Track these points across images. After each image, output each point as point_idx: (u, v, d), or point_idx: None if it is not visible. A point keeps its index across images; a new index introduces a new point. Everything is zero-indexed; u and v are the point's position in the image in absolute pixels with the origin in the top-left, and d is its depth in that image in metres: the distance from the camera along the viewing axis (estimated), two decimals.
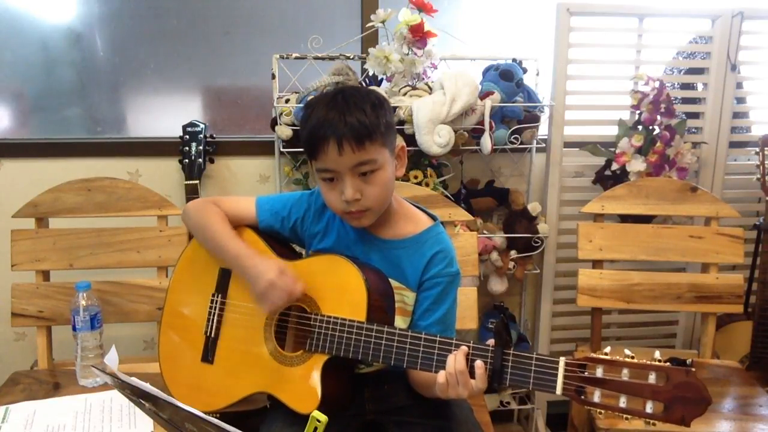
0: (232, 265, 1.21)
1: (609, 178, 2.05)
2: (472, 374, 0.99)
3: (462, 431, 1.20)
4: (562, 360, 0.94)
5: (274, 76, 1.90)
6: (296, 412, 1.10)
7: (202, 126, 1.90)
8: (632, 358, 0.90)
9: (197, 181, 1.84)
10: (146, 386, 0.82)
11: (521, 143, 1.94)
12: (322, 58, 1.91)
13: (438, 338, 1.04)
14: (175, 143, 1.90)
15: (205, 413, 0.75)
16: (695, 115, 2.15)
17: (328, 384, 1.10)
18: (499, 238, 1.99)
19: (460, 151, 1.93)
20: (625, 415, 0.90)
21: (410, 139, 1.82)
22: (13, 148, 1.97)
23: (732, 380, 1.67)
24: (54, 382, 1.48)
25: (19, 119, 2.06)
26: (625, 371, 0.90)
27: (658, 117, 1.95)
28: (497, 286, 2.04)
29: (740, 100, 2.19)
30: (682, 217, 1.97)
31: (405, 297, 1.17)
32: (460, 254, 1.30)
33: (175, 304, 1.31)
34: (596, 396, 0.91)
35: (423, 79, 1.92)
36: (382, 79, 1.95)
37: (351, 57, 1.93)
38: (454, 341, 1.03)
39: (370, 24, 1.86)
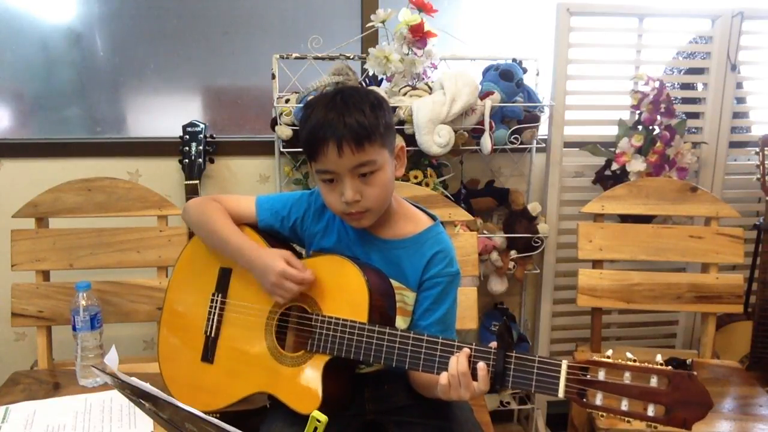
0: (236, 259, 1.21)
1: (609, 178, 2.05)
2: (474, 376, 0.99)
3: (462, 431, 1.20)
4: (564, 363, 0.94)
5: (274, 76, 1.90)
6: (296, 412, 1.10)
7: (202, 126, 1.90)
8: (634, 361, 0.90)
9: (197, 181, 1.84)
10: (146, 386, 0.82)
11: (521, 143, 1.94)
12: (322, 58, 1.91)
13: (440, 340, 1.04)
14: (175, 143, 1.90)
15: (205, 413, 0.75)
16: (695, 115, 2.15)
17: (328, 384, 1.10)
18: (499, 238, 1.99)
19: (460, 151, 1.93)
20: (626, 419, 0.90)
21: (410, 139, 1.82)
22: (13, 148, 1.97)
23: (732, 380, 1.67)
24: (54, 382, 1.48)
25: (19, 119, 2.06)
26: (627, 374, 0.90)
27: (658, 117, 1.95)
28: (497, 286, 2.04)
29: (740, 100, 2.19)
30: (682, 217, 1.97)
31: (405, 297, 1.17)
32: (460, 254, 1.30)
33: (174, 304, 1.31)
34: (598, 399, 0.91)
35: (423, 79, 1.92)
36: (382, 79, 1.95)
37: (351, 57, 1.93)
38: (456, 343, 1.03)
39: (370, 24, 1.86)
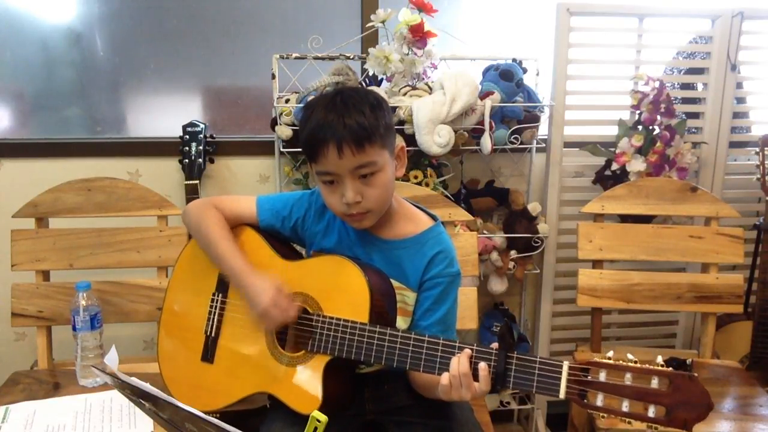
0: (229, 278, 1.21)
1: (609, 178, 2.05)
2: (475, 377, 0.99)
3: (462, 431, 1.20)
4: (565, 364, 0.94)
5: (274, 76, 1.90)
6: (296, 412, 1.10)
7: (202, 126, 1.90)
8: (635, 362, 0.90)
9: (197, 181, 1.83)
10: (146, 386, 0.82)
11: (521, 143, 1.94)
12: (322, 58, 1.91)
13: (441, 340, 1.04)
14: (175, 143, 1.90)
15: (205, 413, 0.75)
16: (695, 115, 2.15)
17: (329, 385, 1.10)
18: (499, 238, 1.99)
19: (460, 151, 1.93)
20: (627, 420, 0.90)
21: (410, 139, 1.82)
22: (13, 148, 1.97)
23: (732, 380, 1.67)
24: (54, 382, 1.48)
25: (19, 119, 2.06)
26: (628, 375, 0.90)
27: (658, 117, 1.95)
28: (497, 286, 2.04)
29: (740, 100, 2.19)
30: (682, 217, 1.97)
31: (405, 297, 1.17)
32: (460, 254, 1.30)
33: (174, 304, 1.31)
34: (599, 400, 0.91)
35: (423, 79, 1.92)
36: (382, 79, 1.95)
37: (351, 57, 1.93)
38: (457, 344, 1.03)
39: (370, 24, 1.86)
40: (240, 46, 2.09)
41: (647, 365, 0.90)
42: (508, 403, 2.18)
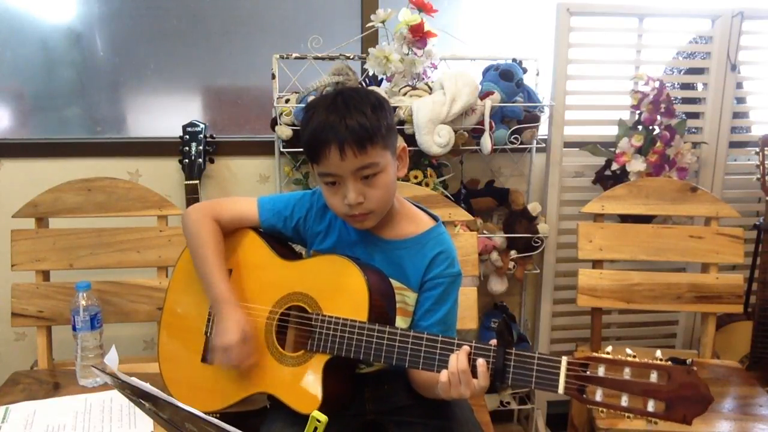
0: (210, 301, 1.21)
1: (609, 178, 2.05)
2: (474, 374, 0.99)
3: (462, 431, 1.20)
4: (564, 359, 0.94)
5: (274, 76, 1.90)
6: (296, 412, 1.09)
7: (202, 126, 1.90)
8: (634, 357, 0.90)
9: (197, 181, 1.83)
10: (146, 386, 0.82)
11: (521, 143, 1.94)
12: (322, 58, 1.91)
13: (440, 338, 1.04)
14: (175, 143, 1.90)
15: (205, 413, 0.75)
16: (695, 115, 2.15)
17: (329, 384, 1.10)
18: (499, 238, 1.99)
19: (460, 151, 1.93)
20: (626, 414, 0.90)
21: (410, 139, 1.82)
22: (13, 148, 1.97)
23: (732, 380, 1.67)
24: (54, 382, 1.47)
25: (19, 119, 2.06)
26: (627, 370, 0.90)
27: (658, 117, 1.95)
28: (497, 286, 2.04)
29: (740, 100, 2.19)
30: (682, 217, 1.97)
31: (406, 297, 1.17)
32: (460, 254, 1.29)
33: (175, 305, 1.31)
34: (598, 395, 0.91)
35: (423, 79, 1.92)
36: (382, 79, 1.95)
37: (351, 57, 1.93)
38: (456, 341, 1.03)
39: (370, 24, 1.86)
40: (240, 46, 2.09)
41: (646, 360, 0.90)
42: (508, 403, 2.18)
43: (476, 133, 1.88)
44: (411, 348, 1.05)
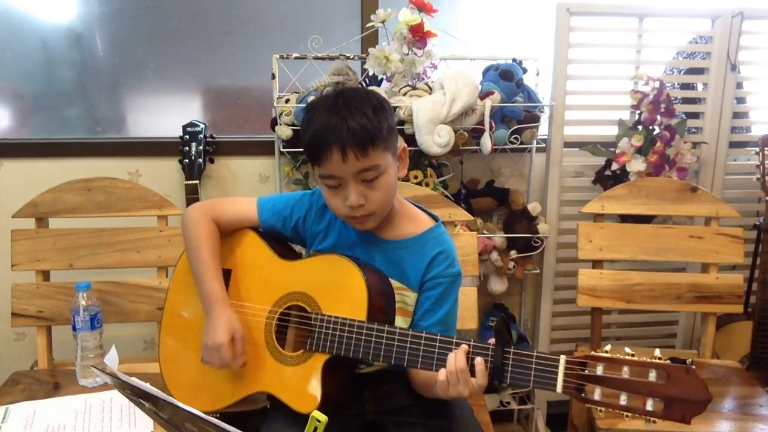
0: (201, 300, 1.21)
1: (609, 178, 2.05)
2: (472, 372, 0.99)
3: (462, 431, 1.20)
4: (562, 358, 0.94)
5: (274, 76, 1.90)
6: (296, 412, 1.10)
7: (202, 126, 1.90)
8: (632, 356, 0.90)
9: (197, 181, 1.84)
10: (146, 386, 0.82)
11: (521, 143, 1.94)
12: (322, 58, 1.91)
13: (438, 337, 1.04)
14: (175, 143, 1.90)
15: (205, 413, 0.75)
16: (695, 115, 2.15)
17: (328, 384, 1.10)
18: (499, 238, 1.99)
19: (460, 151, 1.93)
20: (625, 413, 0.90)
21: (410, 139, 1.82)
22: (13, 148, 1.97)
23: (732, 380, 1.67)
24: (54, 382, 1.48)
25: (19, 119, 2.06)
26: (626, 369, 0.90)
27: (658, 117, 1.95)
28: (497, 286, 2.04)
29: (740, 100, 2.19)
30: (682, 217, 1.97)
31: (406, 297, 1.17)
32: (460, 254, 1.29)
33: (175, 305, 1.31)
34: (596, 394, 0.91)
35: (423, 79, 1.92)
36: (382, 79, 1.95)
37: (351, 57, 1.93)
38: (454, 340, 1.03)
39: (370, 24, 1.86)
40: (240, 46, 2.09)
41: (644, 358, 0.90)
42: (508, 403, 2.18)
43: (476, 133, 1.88)
44: (410, 347, 1.05)
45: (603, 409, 0.90)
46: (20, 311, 1.58)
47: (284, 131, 1.83)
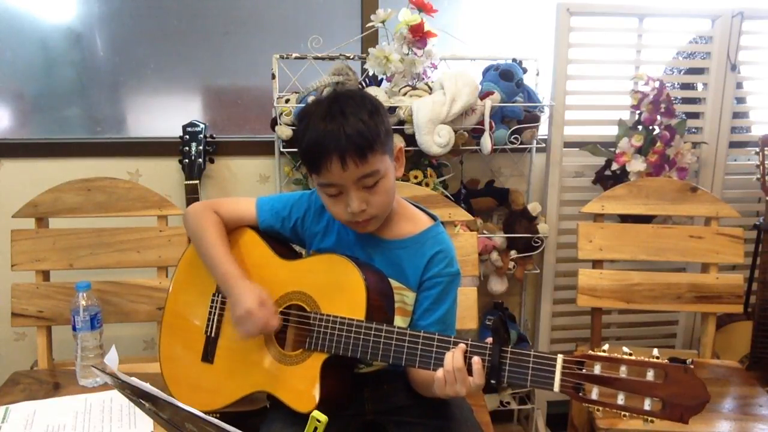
0: (219, 283, 1.21)
1: (609, 178, 2.05)
2: (470, 371, 0.99)
3: (462, 431, 1.20)
4: (559, 357, 0.94)
5: (274, 76, 1.90)
6: (296, 412, 1.10)
7: (202, 126, 1.90)
8: (630, 355, 0.90)
9: (197, 181, 1.84)
10: (146, 386, 0.82)
11: (521, 143, 1.94)
12: (322, 58, 1.91)
13: (436, 336, 1.04)
14: (175, 143, 1.90)
15: (205, 413, 0.75)
16: (695, 115, 2.15)
17: (327, 383, 1.10)
18: (499, 238, 1.99)
19: (460, 151, 1.93)
20: (623, 413, 0.90)
21: (410, 139, 1.82)
22: (13, 148, 1.97)
23: (732, 380, 1.67)
24: (54, 382, 1.48)
25: (19, 119, 2.06)
26: (624, 368, 0.90)
27: (658, 117, 1.95)
28: (497, 286, 2.04)
29: (740, 100, 2.19)
30: (682, 217, 1.97)
31: (405, 297, 1.17)
32: (460, 254, 1.30)
33: (175, 305, 1.31)
34: (594, 393, 0.91)
35: (423, 79, 1.92)
36: (382, 79, 1.95)
37: (351, 57, 1.93)
38: (452, 339, 1.03)
39: (370, 24, 1.86)
40: (240, 46, 2.09)
41: (642, 358, 0.89)
42: (508, 403, 2.18)
43: (476, 133, 1.88)
44: (408, 346, 1.05)
45: (601, 408, 0.90)
46: (20, 311, 1.58)
47: (284, 131, 1.83)
